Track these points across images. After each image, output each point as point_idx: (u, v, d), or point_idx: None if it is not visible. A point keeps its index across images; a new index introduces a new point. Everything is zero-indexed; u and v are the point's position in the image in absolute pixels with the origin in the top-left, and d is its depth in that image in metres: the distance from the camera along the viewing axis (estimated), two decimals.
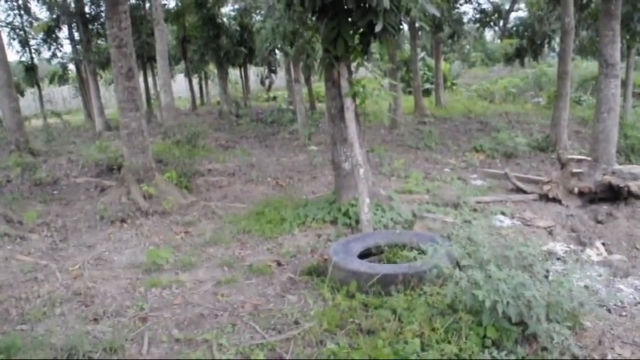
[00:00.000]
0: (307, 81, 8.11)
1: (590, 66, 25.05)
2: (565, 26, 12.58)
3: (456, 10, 17.75)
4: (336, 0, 5.97)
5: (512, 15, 30.94)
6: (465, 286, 3.66)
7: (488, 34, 41.86)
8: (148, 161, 8.42)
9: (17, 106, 13.73)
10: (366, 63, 6.69)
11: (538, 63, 23.40)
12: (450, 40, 20.49)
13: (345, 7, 5.92)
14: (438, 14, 6.45)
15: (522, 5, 30.69)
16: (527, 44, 18.21)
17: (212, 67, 26.10)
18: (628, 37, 12.84)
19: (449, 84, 27.21)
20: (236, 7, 21.16)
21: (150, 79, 23.92)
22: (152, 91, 23.64)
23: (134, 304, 4.85)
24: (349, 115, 6.54)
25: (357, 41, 6.56)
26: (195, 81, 28.59)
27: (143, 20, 17.89)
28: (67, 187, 9.45)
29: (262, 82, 26.21)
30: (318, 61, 6.71)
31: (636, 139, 13.54)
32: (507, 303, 3.47)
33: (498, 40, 36.46)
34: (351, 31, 6.34)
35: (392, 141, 13.42)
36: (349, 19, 6.19)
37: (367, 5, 5.79)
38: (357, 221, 6.56)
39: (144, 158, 8.39)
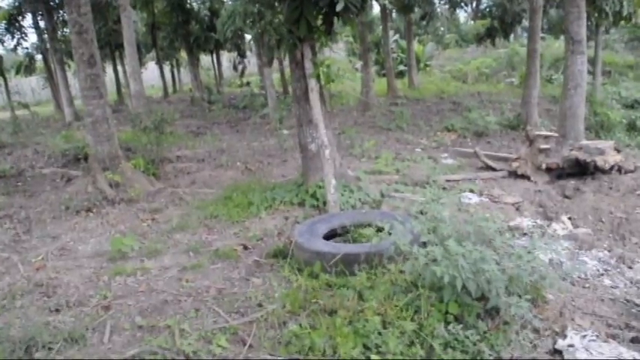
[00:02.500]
0: (270, 63, 7.98)
1: (562, 45, 25.23)
2: (533, 4, 12.63)
3: None
4: None
5: None
6: (424, 262, 3.65)
7: (462, 15, 42.00)
8: (113, 149, 8.27)
9: None
10: (329, 43, 6.60)
11: (509, 42, 23.47)
12: (422, 22, 20.43)
13: None
14: None
15: None
16: (498, 24, 18.26)
17: (183, 55, 25.75)
18: (596, 14, 12.90)
19: (422, 66, 27.17)
20: None
21: (120, 68, 23.55)
22: (122, 80, 23.28)
23: (97, 293, 4.75)
24: (314, 96, 6.47)
25: (320, 21, 6.49)
26: (167, 69, 28.16)
27: (109, 7, 17.50)
28: (31, 178, 9.25)
29: (235, 68, 25.90)
30: (282, 42, 6.57)
31: (605, 115, 13.66)
32: (467, 278, 3.46)
33: (472, 22, 36.59)
34: (314, 11, 6.26)
35: (363, 123, 13.38)
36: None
37: None
38: (325, 202, 6.52)
39: (109, 146, 8.23)
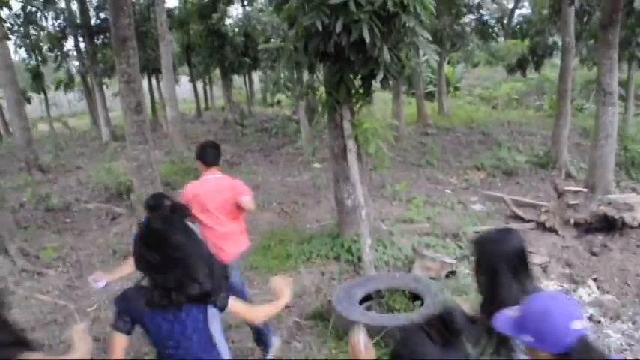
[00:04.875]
0: (310, 122, 8.38)
1: (594, 68, 25.18)
2: (565, 45, 12.79)
3: (458, 23, 17.81)
4: (338, 48, 6.19)
5: (517, 12, 31.17)
6: None
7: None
8: (157, 192, 8.69)
9: (27, 125, 14.05)
10: (368, 105, 6.93)
11: (540, 73, 23.50)
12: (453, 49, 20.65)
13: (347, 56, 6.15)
14: (437, 59, 6.68)
15: (526, 3, 30.84)
16: (529, 55, 18.42)
17: (216, 71, 26.32)
18: (628, 58, 12.98)
19: (452, 89, 27.33)
20: (239, 15, 21.43)
21: (154, 84, 24.18)
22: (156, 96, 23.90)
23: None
24: (351, 157, 6.79)
25: (358, 83, 6.81)
26: (199, 84, 28.74)
27: (148, 34, 18.11)
28: (78, 213, 9.74)
29: (267, 89, 26.43)
30: (322, 103, 6.93)
31: (636, 152, 13.71)
32: None
33: (502, 39, 36.51)
34: (353, 76, 6.59)
35: (395, 157, 13.67)
36: (351, 65, 6.42)
37: (369, 55, 6.02)
38: (359, 258, 6.83)
39: (153, 189, 8.64)
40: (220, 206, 4.64)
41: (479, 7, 17.19)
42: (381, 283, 5.88)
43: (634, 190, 11.29)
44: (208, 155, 4.70)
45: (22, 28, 20.54)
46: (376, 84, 6.47)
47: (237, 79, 29.59)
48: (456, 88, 29.07)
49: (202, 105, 28.23)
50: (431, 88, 26.12)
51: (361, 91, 6.76)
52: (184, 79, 31.68)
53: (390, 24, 5.68)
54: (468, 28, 19.11)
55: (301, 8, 5.83)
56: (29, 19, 20.41)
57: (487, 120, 19.06)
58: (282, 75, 9.67)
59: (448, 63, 31.52)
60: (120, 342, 2.57)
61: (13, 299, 6.60)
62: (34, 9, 20.15)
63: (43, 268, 7.38)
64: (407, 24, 5.59)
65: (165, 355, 2.70)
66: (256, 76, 28.53)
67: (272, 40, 15.35)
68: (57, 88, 26.23)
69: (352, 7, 5.29)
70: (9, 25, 18.87)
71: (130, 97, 8.46)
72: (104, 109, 19.40)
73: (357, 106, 6.93)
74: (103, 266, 7.43)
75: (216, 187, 4.63)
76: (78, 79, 25.70)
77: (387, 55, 5.76)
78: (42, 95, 23.69)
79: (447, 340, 1.83)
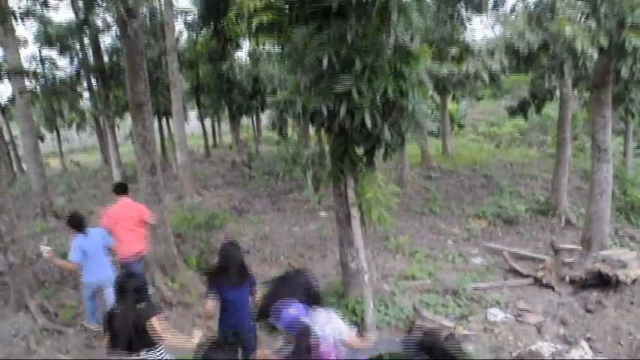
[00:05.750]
0: (316, 191, 8.82)
1: None
2: (563, 96, 13.24)
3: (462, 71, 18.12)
4: (342, 127, 6.62)
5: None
6: None
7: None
8: (170, 250, 9.11)
9: (43, 172, 14.56)
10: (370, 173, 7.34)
11: (541, 117, 23.93)
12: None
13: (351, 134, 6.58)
14: (435, 130, 7.09)
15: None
16: (530, 98, 18.84)
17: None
18: (624, 112, 13.35)
19: (456, 127, 27.75)
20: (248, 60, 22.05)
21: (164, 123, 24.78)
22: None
23: None
24: (355, 223, 7.19)
25: (362, 152, 7.23)
26: (207, 121, 29.31)
27: (159, 80, 18.72)
28: None
29: (274, 126, 26.95)
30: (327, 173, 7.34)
31: (636, 197, 13.99)
32: None
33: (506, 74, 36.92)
34: (357, 149, 7.01)
35: (398, 205, 14.03)
36: (355, 140, 6.84)
37: (371, 133, 6.44)
38: (363, 319, 7.17)
39: (166, 247, 9.07)
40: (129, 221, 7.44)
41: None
42: (382, 349, 6.21)
43: (632, 238, 11.64)
44: (120, 190, 7.77)
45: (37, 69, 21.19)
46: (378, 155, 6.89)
47: (245, 119, 30.20)
48: (460, 126, 29.52)
49: (210, 141, 28.77)
50: (435, 124, 26.55)
51: (364, 160, 7.18)
52: (193, 115, 32.37)
53: (390, 106, 6.11)
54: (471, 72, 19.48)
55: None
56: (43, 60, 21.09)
57: (490, 161, 19.45)
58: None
59: (453, 98, 32.10)
60: (210, 302, 5.10)
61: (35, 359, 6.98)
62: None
63: (63, 326, 7.73)
64: (407, 107, 6.02)
65: (226, 316, 5.14)
66: (264, 117, 29.10)
67: (278, 92, 15.91)
68: (69, 126, 26.86)
69: (355, 95, 5.73)
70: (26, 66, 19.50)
71: (144, 158, 8.91)
72: (115, 150, 19.90)
73: (360, 175, 7.33)
74: None
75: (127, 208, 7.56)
76: (89, 117, 26.41)
77: (387, 134, 6.20)
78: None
79: None
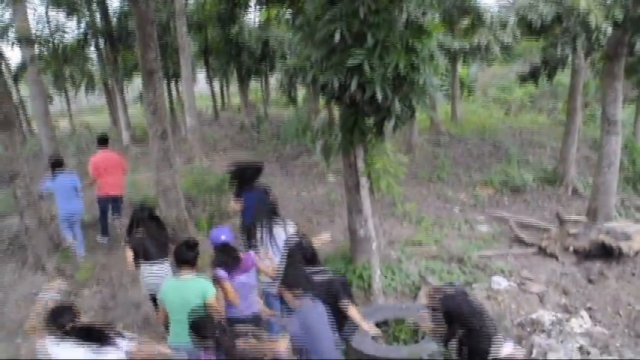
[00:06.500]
0: (327, 161, 8.87)
1: None
2: (575, 66, 13.16)
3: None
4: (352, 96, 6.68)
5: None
6: None
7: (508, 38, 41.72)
8: (181, 214, 9.33)
9: (53, 134, 14.78)
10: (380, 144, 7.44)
11: (552, 84, 23.69)
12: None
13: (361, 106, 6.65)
14: (444, 100, 7.16)
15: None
16: (542, 65, 18.68)
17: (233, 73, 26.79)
18: (636, 83, 13.22)
19: (466, 92, 27.50)
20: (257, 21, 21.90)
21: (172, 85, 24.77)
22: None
23: None
24: (364, 193, 7.34)
25: (372, 123, 7.31)
26: (216, 83, 29.18)
27: (168, 44, 18.63)
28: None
29: (283, 89, 26.86)
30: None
31: None
32: None
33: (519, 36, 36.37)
34: (367, 120, 7.09)
35: (406, 170, 14.14)
36: (365, 111, 6.92)
37: (381, 106, 6.51)
38: (370, 285, 7.39)
39: (177, 211, 9.28)
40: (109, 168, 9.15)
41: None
42: (388, 314, 6.44)
43: (638, 209, 11.74)
44: (102, 142, 9.47)
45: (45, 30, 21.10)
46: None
47: (254, 81, 30.07)
48: (470, 91, 29.27)
49: (219, 103, 28.68)
50: (445, 86, 26.33)
51: (374, 131, 7.27)
52: (201, 77, 32.24)
53: (401, 80, 6.17)
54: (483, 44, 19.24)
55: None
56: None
57: (499, 128, 19.42)
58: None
59: (463, 62, 31.77)
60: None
61: None
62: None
63: (79, 287, 8.01)
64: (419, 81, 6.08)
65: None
66: (272, 79, 28.96)
67: (288, 58, 15.85)
68: (78, 89, 26.85)
69: (366, 69, 5.79)
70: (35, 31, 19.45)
71: (155, 125, 9.04)
72: (125, 113, 20.02)
73: (370, 145, 7.44)
74: (133, 286, 8.05)
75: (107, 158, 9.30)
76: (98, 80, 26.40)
77: (397, 107, 6.27)
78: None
79: None
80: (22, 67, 9.41)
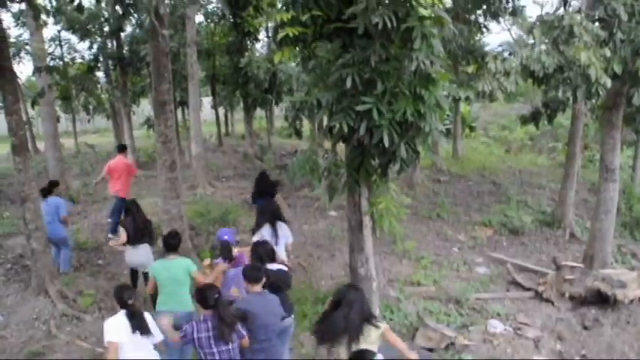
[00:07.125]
0: (331, 199, 8.99)
1: None
2: (575, 112, 13.44)
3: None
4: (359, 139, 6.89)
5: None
6: None
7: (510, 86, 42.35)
8: (185, 244, 9.46)
9: (60, 156, 15.00)
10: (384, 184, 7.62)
11: (552, 126, 24.07)
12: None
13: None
14: (446, 144, 7.37)
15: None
16: (543, 108, 19.00)
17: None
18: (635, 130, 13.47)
19: (467, 130, 27.83)
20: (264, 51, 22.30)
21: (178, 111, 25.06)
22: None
23: None
24: (367, 232, 7.51)
25: (377, 164, 7.50)
26: (221, 110, 29.46)
27: (177, 71, 18.95)
28: (109, 254, 10.46)
29: (287, 119, 27.15)
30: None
31: None
32: None
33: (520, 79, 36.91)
34: (373, 161, 7.29)
35: (407, 207, 14.30)
36: (371, 153, 7.11)
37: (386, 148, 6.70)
38: None
39: (182, 241, 9.41)
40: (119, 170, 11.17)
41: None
42: (387, 356, 6.53)
43: (634, 255, 11.88)
44: (120, 149, 11.99)
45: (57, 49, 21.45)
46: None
47: (258, 110, 30.42)
48: (471, 128, 29.63)
49: (222, 129, 28.93)
50: (447, 124, 26.61)
51: (379, 172, 7.46)
52: (206, 102, 32.61)
53: (407, 126, 6.38)
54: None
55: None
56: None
57: (499, 167, 19.67)
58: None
59: (466, 99, 32.19)
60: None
61: (56, 343, 7.35)
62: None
63: (81, 313, 8.11)
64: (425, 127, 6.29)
65: None
66: (277, 109, 29.29)
67: (295, 93, 16.13)
68: (86, 111, 27.15)
69: (375, 114, 6.01)
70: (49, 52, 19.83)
71: (165, 155, 9.26)
72: (130, 137, 20.28)
73: (374, 185, 7.62)
74: None
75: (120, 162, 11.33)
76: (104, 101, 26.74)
77: (403, 152, 6.47)
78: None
79: None
80: (41, 94, 9.61)
